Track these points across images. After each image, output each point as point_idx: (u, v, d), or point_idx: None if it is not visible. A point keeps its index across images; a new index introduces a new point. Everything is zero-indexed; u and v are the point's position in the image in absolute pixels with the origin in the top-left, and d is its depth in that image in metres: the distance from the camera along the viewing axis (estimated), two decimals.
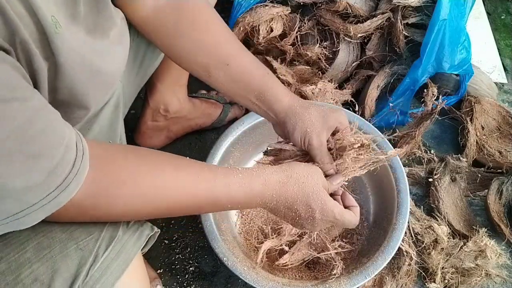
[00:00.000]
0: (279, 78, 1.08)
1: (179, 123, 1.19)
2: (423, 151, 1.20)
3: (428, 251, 1.01)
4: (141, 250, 0.60)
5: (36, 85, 0.52)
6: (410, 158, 1.21)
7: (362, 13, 1.18)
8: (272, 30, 1.21)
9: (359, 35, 1.18)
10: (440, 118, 1.24)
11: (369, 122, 1.05)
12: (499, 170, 1.16)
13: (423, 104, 1.16)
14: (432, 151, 1.23)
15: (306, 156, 0.79)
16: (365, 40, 1.24)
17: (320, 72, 1.25)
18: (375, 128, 1.02)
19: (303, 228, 0.72)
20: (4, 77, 0.43)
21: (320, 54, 1.21)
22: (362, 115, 1.20)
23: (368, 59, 1.25)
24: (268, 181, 0.66)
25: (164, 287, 1.03)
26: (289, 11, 1.22)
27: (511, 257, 1.02)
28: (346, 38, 1.20)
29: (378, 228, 0.99)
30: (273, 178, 0.66)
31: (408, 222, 0.99)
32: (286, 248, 0.95)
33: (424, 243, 1.01)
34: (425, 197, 1.15)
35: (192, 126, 1.23)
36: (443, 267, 0.99)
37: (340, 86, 1.26)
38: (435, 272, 0.99)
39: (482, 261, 0.98)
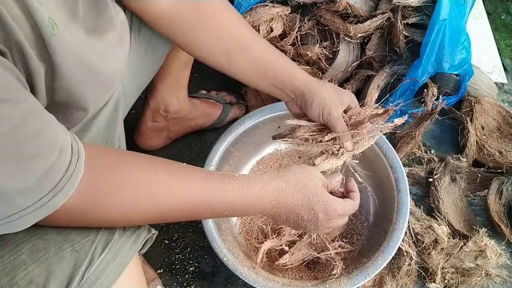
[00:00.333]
0: None
1: (179, 124, 1.19)
2: (423, 151, 1.20)
3: (428, 251, 1.01)
4: (139, 252, 0.60)
5: (33, 87, 0.51)
6: (410, 158, 1.21)
7: (362, 13, 1.18)
8: (272, 30, 1.21)
9: (359, 35, 1.18)
10: (440, 118, 1.24)
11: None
12: (499, 170, 1.16)
13: (423, 104, 1.16)
14: (432, 151, 1.23)
15: (322, 131, 0.83)
16: (365, 40, 1.24)
17: (320, 72, 1.25)
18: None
19: (306, 230, 0.71)
20: None
21: (320, 54, 1.21)
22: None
23: (368, 59, 1.25)
24: (265, 188, 0.65)
25: (164, 287, 1.03)
26: (289, 11, 1.22)
27: (511, 257, 1.02)
28: (346, 38, 1.20)
29: (378, 228, 0.99)
30: (271, 185, 0.65)
31: (408, 222, 0.99)
32: (286, 248, 0.95)
33: (424, 243, 1.01)
34: (425, 197, 1.15)
35: (192, 126, 1.23)
36: (443, 267, 0.99)
37: (340, 86, 1.26)
38: (435, 272, 0.99)
39: (482, 261, 0.98)
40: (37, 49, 0.49)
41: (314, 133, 0.83)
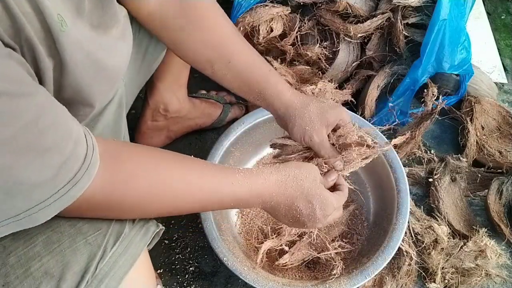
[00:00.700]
0: None
1: (179, 123, 1.19)
2: (423, 151, 1.20)
3: (428, 251, 1.01)
4: (147, 246, 0.61)
5: (41, 83, 0.52)
6: (410, 158, 1.21)
7: (362, 13, 1.18)
8: (272, 30, 1.21)
9: (359, 35, 1.18)
10: (440, 118, 1.24)
11: (369, 122, 1.05)
12: (499, 170, 1.16)
13: (423, 104, 1.16)
14: (432, 151, 1.23)
15: (309, 150, 0.81)
16: (365, 40, 1.24)
17: (320, 72, 1.25)
18: (375, 128, 1.02)
19: (304, 226, 0.72)
20: (11, 73, 0.44)
21: (320, 54, 1.21)
22: (362, 115, 1.20)
23: (368, 59, 1.25)
24: (267, 180, 0.67)
25: (164, 287, 1.03)
26: (289, 11, 1.22)
27: (511, 257, 1.02)
28: (346, 38, 1.20)
29: (378, 228, 0.99)
30: (272, 177, 0.68)
31: (408, 222, 0.99)
32: (286, 248, 0.95)
33: (424, 243, 1.01)
34: (425, 197, 1.15)
35: (192, 126, 1.23)
36: (443, 267, 0.99)
37: (340, 86, 1.26)
38: (435, 272, 0.99)
39: (482, 261, 0.98)
40: (46, 46, 0.50)
41: (301, 152, 0.81)
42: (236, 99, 1.31)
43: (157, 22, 0.76)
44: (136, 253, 0.58)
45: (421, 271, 1.01)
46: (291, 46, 1.23)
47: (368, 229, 1.03)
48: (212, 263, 1.07)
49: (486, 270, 0.98)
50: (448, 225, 1.05)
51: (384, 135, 1.02)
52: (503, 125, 1.24)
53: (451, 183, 1.12)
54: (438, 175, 1.11)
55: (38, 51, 0.49)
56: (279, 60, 1.25)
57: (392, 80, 1.22)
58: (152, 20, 0.76)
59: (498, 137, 1.23)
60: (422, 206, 1.10)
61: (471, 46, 1.17)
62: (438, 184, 1.10)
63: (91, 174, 0.51)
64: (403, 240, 0.95)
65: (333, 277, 0.87)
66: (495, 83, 1.34)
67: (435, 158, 1.18)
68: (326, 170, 0.77)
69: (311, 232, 0.95)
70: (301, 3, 1.22)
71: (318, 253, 0.95)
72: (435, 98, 1.14)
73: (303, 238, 0.96)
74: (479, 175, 1.14)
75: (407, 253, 0.99)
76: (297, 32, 1.22)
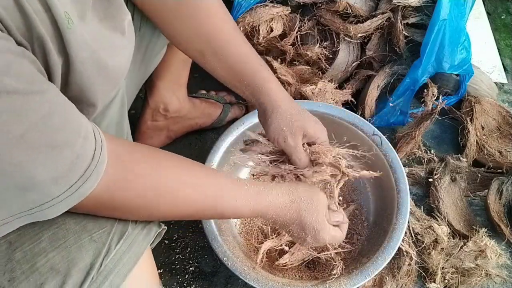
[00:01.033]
0: (279, 78, 1.08)
1: (179, 123, 1.19)
2: (423, 151, 1.20)
3: (428, 251, 1.01)
4: (149, 245, 0.62)
5: (50, 80, 0.52)
6: (410, 158, 1.21)
7: (362, 13, 1.18)
8: (272, 30, 1.21)
9: (359, 35, 1.18)
10: (440, 118, 1.24)
11: (369, 122, 1.05)
12: (499, 170, 1.16)
13: (423, 104, 1.16)
14: (432, 151, 1.23)
15: (278, 155, 0.79)
16: (365, 40, 1.24)
17: (320, 72, 1.25)
18: (375, 128, 1.02)
19: (292, 238, 0.77)
20: (24, 71, 0.44)
21: (320, 54, 1.21)
22: (362, 115, 1.20)
23: (368, 59, 1.25)
24: (271, 204, 0.69)
25: (164, 287, 1.03)
26: (289, 11, 1.22)
27: (511, 257, 1.02)
28: (346, 38, 1.20)
29: (378, 228, 0.99)
30: (278, 201, 0.69)
31: (408, 222, 0.99)
32: (286, 248, 0.95)
33: (424, 243, 1.01)
34: (425, 197, 1.15)
35: (192, 125, 1.23)
36: (443, 267, 0.99)
37: (340, 86, 1.26)
38: (435, 272, 0.99)
39: (482, 261, 0.98)
40: (56, 43, 0.50)
41: (269, 154, 0.80)
42: (236, 99, 1.31)
43: (151, 7, 0.76)
44: (139, 251, 0.58)
45: (421, 271, 1.01)
46: (291, 46, 1.23)
47: (368, 229, 1.03)
48: (212, 263, 1.07)
49: (486, 270, 0.98)
50: (448, 225, 1.05)
51: (384, 135, 1.02)
52: (503, 125, 1.24)
53: (451, 183, 1.12)
54: (438, 175, 1.11)
55: (48, 48, 0.49)
56: (279, 60, 1.25)
57: (392, 80, 1.22)
58: (146, 3, 0.76)
59: (498, 137, 1.23)
60: (422, 206, 1.10)
61: (471, 46, 1.17)
62: (438, 184, 1.10)
63: (100, 172, 0.52)
64: (403, 240, 0.95)
65: (333, 277, 0.87)
66: (495, 83, 1.34)
67: (435, 158, 1.18)
68: (295, 177, 0.77)
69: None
70: (301, 3, 1.22)
71: (318, 253, 0.95)
72: (435, 98, 1.14)
73: None
74: (479, 175, 1.14)
75: (407, 253, 0.99)
76: (297, 32, 1.22)
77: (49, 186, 0.48)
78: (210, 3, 0.78)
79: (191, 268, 1.06)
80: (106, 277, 0.53)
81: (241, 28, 1.19)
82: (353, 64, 1.25)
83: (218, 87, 1.30)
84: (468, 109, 1.22)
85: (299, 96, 1.20)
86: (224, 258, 0.87)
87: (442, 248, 1.00)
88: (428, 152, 1.22)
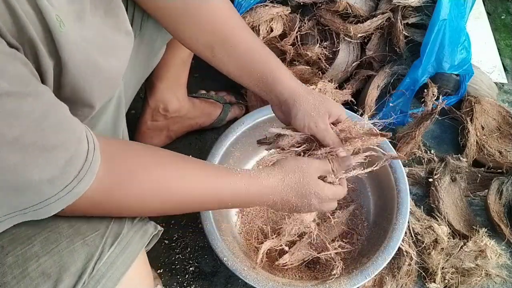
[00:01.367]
0: None
1: (179, 123, 1.19)
2: (423, 151, 1.20)
3: (428, 251, 1.01)
4: (145, 247, 0.61)
5: (43, 82, 0.52)
6: (410, 158, 1.21)
7: (362, 13, 1.18)
8: (272, 30, 1.21)
9: (359, 35, 1.18)
10: (440, 118, 1.24)
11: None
12: (499, 170, 1.16)
13: (423, 104, 1.16)
14: (432, 151, 1.23)
15: (307, 143, 0.79)
16: (365, 40, 1.24)
17: (320, 72, 1.25)
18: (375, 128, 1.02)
19: (300, 212, 0.77)
20: (17, 74, 0.44)
21: (320, 54, 1.21)
22: (362, 115, 1.20)
23: (368, 59, 1.25)
24: (264, 184, 0.69)
25: (164, 287, 1.03)
26: (289, 11, 1.22)
27: (511, 257, 1.02)
28: (346, 38, 1.20)
29: (378, 228, 0.99)
30: (268, 181, 0.69)
31: (408, 222, 0.99)
32: (286, 248, 0.95)
33: (424, 243, 1.01)
34: (425, 197, 1.15)
35: (192, 125, 1.23)
36: (443, 267, 0.99)
37: (340, 86, 1.26)
38: (435, 272, 0.99)
39: (482, 261, 0.98)
40: (47, 46, 0.50)
41: (298, 145, 0.79)
42: (236, 99, 1.31)
43: (155, 4, 0.75)
44: (134, 254, 0.58)
45: (421, 271, 1.01)
46: (291, 46, 1.23)
47: (368, 229, 1.03)
48: (212, 263, 1.07)
49: (486, 270, 0.98)
50: (448, 225, 1.05)
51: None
52: (503, 125, 1.24)
53: (451, 183, 1.12)
54: (438, 175, 1.11)
55: (40, 50, 0.49)
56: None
57: (392, 80, 1.22)
58: (151, 2, 0.75)
59: (498, 137, 1.23)
60: (422, 206, 1.10)
61: (471, 46, 1.16)
62: (438, 184, 1.10)
63: (94, 172, 0.52)
64: (403, 240, 0.95)
65: (333, 277, 0.87)
66: (495, 83, 1.34)
67: (435, 158, 1.18)
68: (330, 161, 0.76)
69: (311, 232, 0.95)
70: (301, 3, 1.22)
71: (318, 253, 0.95)
72: (435, 98, 1.14)
73: (303, 238, 0.96)
74: (479, 175, 1.14)
75: (407, 253, 0.99)
76: (297, 32, 1.22)
77: (44, 187, 0.48)
78: None
79: (191, 268, 1.06)
80: (99, 281, 0.53)
81: None
82: (353, 64, 1.25)
83: (218, 87, 1.31)
84: (468, 109, 1.22)
85: None
86: (224, 258, 0.87)
87: (442, 248, 1.00)
88: (428, 152, 1.22)
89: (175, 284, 1.04)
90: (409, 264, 0.99)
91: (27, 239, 0.54)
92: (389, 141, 1.01)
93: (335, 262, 0.91)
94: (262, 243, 0.95)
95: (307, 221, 0.93)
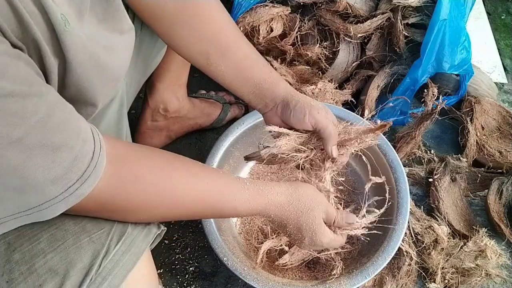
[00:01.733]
0: None
1: (178, 123, 1.19)
2: (423, 151, 1.20)
3: (428, 251, 1.01)
4: (149, 246, 0.62)
5: (47, 82, 0.52)
6: (410, 158, 1.21)
7: (362, 13, 1.18)
8: (272, 30, 1.21)
9: (359, 35, 1.18)
10: (440, 118, 1.24)
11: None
12: (499, 170, 1.16)
13: (423, 104, 1.16)
14: (432, 151, 1.23)
15: (306, 147, 0.79)
16: (365, 40, 1.24)
17: (320, 72, 1.25)
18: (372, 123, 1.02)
19: (290, 240, 0.77)
20: (21, 74, 0.44)
21: (320, 54, 1.21)
22: (362, 115, 1.20)
23: (368, 59, 1.25)
24: (271, 202, 0.69)
25: (164, 287, 1.03)
26: (289, 11, 1.22)
27: (511, 257, 1.02)
28: (346, 38, 1.20)
29: (378, 228, 0.99)
30: (276, 200, 0.69)
31: (408, 222, 0.98)
32: (286, 248, 0.94)
33: (424, 243, 1.01)
34: (425, 197, 1.15)
35: (192, 125, 1.23)
36: (443, 267, 0.99)
37: (340, 86, 1.26)
38: (435, 272, 0.99)
39: (482, 261, 0.98)
40: (51, 45, 0.50)
41: (302, 149, 0.78)
42: (236, 99, 1.31)
43: (151, 13, 0.75)
44: (139, 252, 0.58)
45: (421, 271, 1.01)
46: (291, 46, 1.23)
47: (368, 229, 1.03)
48: (212, 263, 1.07)
49: (486, 270, 0.98)
50: (448, 225, 1.05)
51: (384, 135, 1.02)
52: (503, 125, 1.24)
53: (451, 183, 1.12)
54: (438, 175, 1.11)
55: (44, 50, 0.49)
56: (279, 60, 1.25)
57: (392, 80, 1.22)
58: (146, 10, 0.75)
59: (498, 137, 1.23)
60: (422, 206, 1.10)
61: (471, 46, 1.17)
62: (438, 184, 1.10)
63: (98, 173, 0.52)
64: (403, 240, 0.95)
65: (333, 277, 0.87)
66: (495, 83, 1.34)
67: (435, 158, 1.18)
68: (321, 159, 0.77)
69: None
70: (301, 3, 1.22)
71: (318, 253, 0.95)
72: (435, 98, 1.14)
73: None
74: (479, 175, 1.14)
75: (407, 253, 0.99)
76: (297, 32, 1.22)
77: (48, 187, 0.48)
78: (210, 4, 0.77)
79: (191, 268, 1.06)
80: (105, 278, 0.53)
81: (241, 28, 1.19)
82: (353, 64, 1.25)
83: (218, 87, 1.30)
84: (468, 109, 1.22)
85: None
86: (224, 258, 0.87)
87: (442, 248, 1.00)
88: (428, 152, 1.22)
89: (175, 284, 1.04)
90: (409, 264, 0.99)
91: (34, 236, 0.54)
92: (389, 141, 1.02)
93: (335, 262, 0.91)
94: (262, 243, 0.94)
95: None
